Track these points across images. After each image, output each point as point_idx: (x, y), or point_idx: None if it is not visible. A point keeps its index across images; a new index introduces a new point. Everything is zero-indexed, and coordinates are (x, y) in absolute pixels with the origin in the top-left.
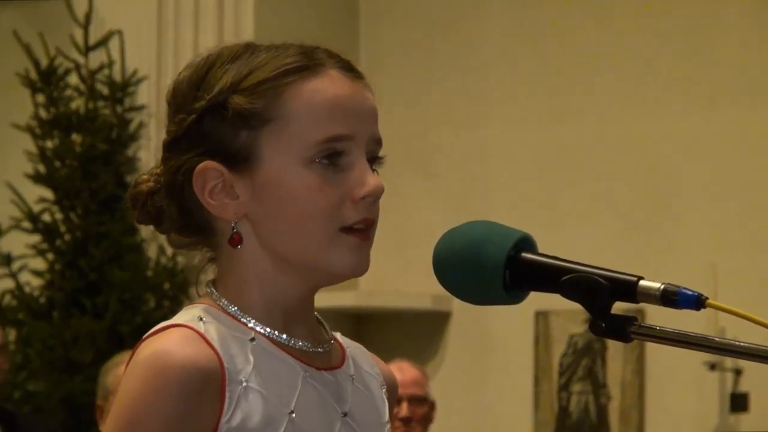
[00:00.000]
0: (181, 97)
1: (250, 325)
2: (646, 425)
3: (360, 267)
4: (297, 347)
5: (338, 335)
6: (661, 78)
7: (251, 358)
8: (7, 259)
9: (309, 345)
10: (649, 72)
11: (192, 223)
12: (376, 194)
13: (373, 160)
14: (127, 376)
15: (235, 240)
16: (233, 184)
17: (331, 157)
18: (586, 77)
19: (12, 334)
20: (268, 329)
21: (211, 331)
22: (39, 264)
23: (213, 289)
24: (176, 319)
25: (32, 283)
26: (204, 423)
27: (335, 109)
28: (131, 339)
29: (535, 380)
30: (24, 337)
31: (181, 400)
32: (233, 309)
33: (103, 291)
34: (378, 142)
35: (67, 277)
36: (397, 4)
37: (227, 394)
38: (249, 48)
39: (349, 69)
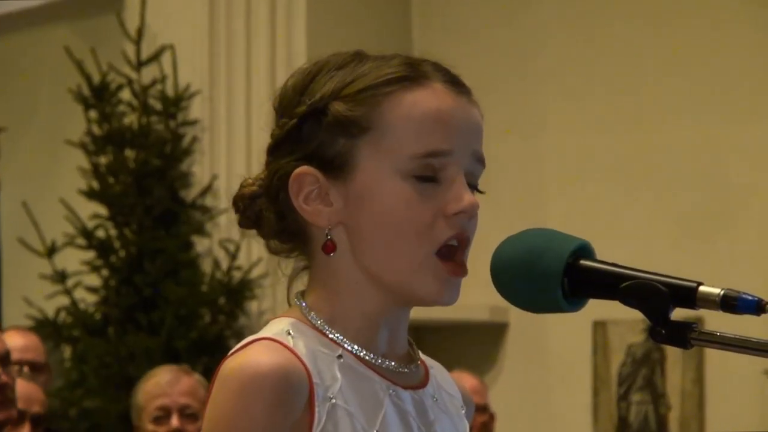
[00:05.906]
0: (286, 102)
1: (338, 341)
2: None
3: (449, 299)
4: (384, 366)
5: (421, 354)
6: (724, 85)
7: (339, 376)
8: (62, 276)
9: (396, 365)
10: (712, 79)
11: (287, 229)
12: (471, 211)
13: (473, 182)
14: (216, 392)
15: (329, 247)
16: (328, 191)
17: (427, 172)
18: (646, 85)
19: (67, 351)
20: (355, 346)
21: (300, 345)
22: (94, 280)
23: (302, 301)
24: (263, 333)
25: (87, 299)
26: None
27: (435, 122)
28: (187, 354)
29: (593, 391)
30: (79, 354)
31: (275, 407)
32: (320, 323)
33: (159, 307)
34: (480, 160)
35: (122, 293)
36: (450, 13)
37: (316, 409)
38: (357, 56)
39: (456, 83)
